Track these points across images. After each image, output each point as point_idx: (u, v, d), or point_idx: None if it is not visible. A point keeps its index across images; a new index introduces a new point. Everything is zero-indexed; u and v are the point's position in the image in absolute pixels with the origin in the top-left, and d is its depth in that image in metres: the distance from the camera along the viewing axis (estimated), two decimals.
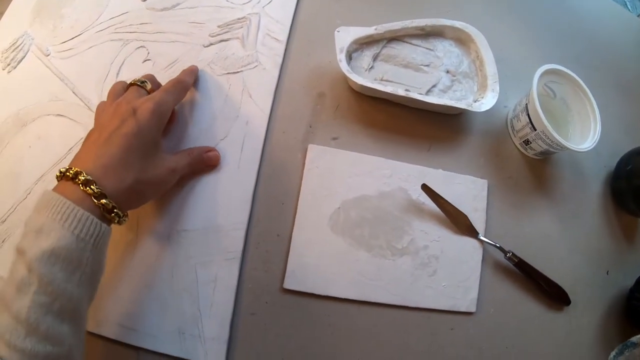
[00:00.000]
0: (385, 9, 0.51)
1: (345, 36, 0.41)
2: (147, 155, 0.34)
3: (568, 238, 0.46)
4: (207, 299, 0.38)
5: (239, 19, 0.46)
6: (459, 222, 0.41)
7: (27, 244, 0.28)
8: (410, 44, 0.44)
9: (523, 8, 0.55)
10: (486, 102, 0.42)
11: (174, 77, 0.41)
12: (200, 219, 0.39)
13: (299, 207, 0.40)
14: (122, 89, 0.38)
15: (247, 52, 0.44)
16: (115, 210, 0.31)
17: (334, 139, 0.42)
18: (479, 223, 0.42)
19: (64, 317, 0.28)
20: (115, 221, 0.32)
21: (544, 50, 0.53)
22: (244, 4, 0.47)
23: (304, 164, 0.41)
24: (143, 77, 0.40)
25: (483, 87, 0.44)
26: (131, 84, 0.38)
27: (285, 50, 0.45)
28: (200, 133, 0.42)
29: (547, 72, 0.44)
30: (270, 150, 0.42)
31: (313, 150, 0.41)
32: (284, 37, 0.45)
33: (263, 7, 0.47)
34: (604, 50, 0.56)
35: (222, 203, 0.40)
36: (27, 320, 0.27)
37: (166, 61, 0.45)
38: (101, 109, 0.37)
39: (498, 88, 0.43)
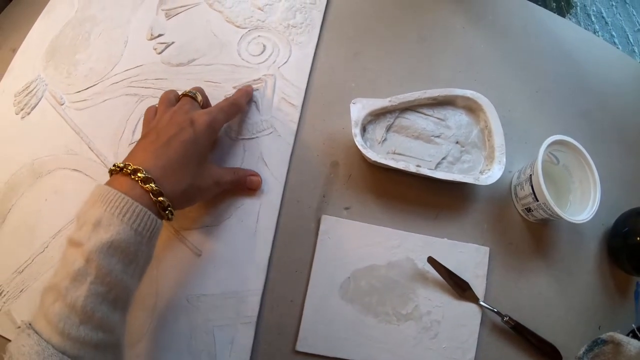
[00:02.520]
0: (400, 67, 0.53)
1: (360, 108, 0.44)
2: (199, 163, 0.38)
3: (563, 297, 0.50)
4: None
5: (254, 80, 0.48)
6: (460, 289, 0.45)
7: (83, 236, 0.30)
8: (422, 114, 0.47)
9: (532, 65, 0.57)
10: (492, 175, 0.46)
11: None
12: (218, 285, 0.43)
13: (311, 275, 0.44)
14: (174, 98, 0.42)
15: (263, 117, 0.47)
16: (169, 208, 0.34)
17: (346, 208, 0.46)
18: (479, 288, 0.46)
19: (116, 306, 0.31)
20: (167, 218, 0.35)
21: (552, 108, 0.56)
22: (259, 63, 0.49)
23: (317, 233, 0.45)
24: (193, 89, 0.43)
25: (490, 159, 0.47)
26: (184, 95, 0.42)
27: (300, 115, 0.48)
28: (218, 200, 0.44)
29: (552, 143, 0.47)
30: (285, 219, 0.45)
31: (326, 221, 0.45)
32: (299, 101, 0.48)
33: (278, 67, 0.49)
34: (611, 104, 0.58)
35: (240, 270, 0.43)
36: (82, 309, 0.29)
37: None
38: (152, 113, 0.41)
39: (504, 160, 0.46)
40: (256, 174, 0.45)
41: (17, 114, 0.51)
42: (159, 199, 0.33)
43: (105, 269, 0.30)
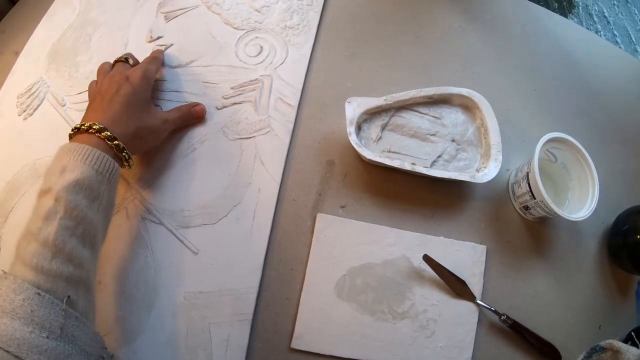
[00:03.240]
0: (396, 67, 0.54)
1: (355, 107, 0.45)
2: (143, 109, 0.44)
3: (563, 296, 0.50)
4: (220, 356, 0.42)
5: (251, 80, 0.49)
6: (457, 287, 0.46)
7: (52, 183, 0.35)
8: (418, 112, 0.48)
9: (531, 64, 0.58)
10: (489, 173, 0.46)
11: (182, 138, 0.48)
12: (215, 282, 0.44)
13: (307, 273, 0.44)
14: (109, 67, 0.48)
15: (260, 117, 0.48)
16: (125, 150, 0.40)
17: (342, 207, 0.47)
18: (476, 287, 0.47)
19: (85, 242, 0.34)
20: (125, 160, 0.41)
21: (550, 107, 0.56)
22: (257, 64, 0.50)
23: (313, 231, 0.45)
24: (124, 54, 0.49)
25: (486, 156, 0.47)
26: (116, 61, 0.48)
27: (297, 115, 0.49)
28: (216, 199, 0.46)
29: (549, 140, 0.48)
30: (281, 218, 0.46)
31: (322, 219, 0.46)
32: (295, 101, 0.49)
33: (275, 68, 0.50)
34: (611, 103, 0.59)
35: (236, 268, 0.44)
36: (54, 242, 0.32)
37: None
38: (94, 85, 0.47)
39: (501, 157, 0.47)
40: (198, 104, 0.49)
41: (19, 115, 0.52)
42: (114, 142, 0.39)
43: (73, 203, 0.34)
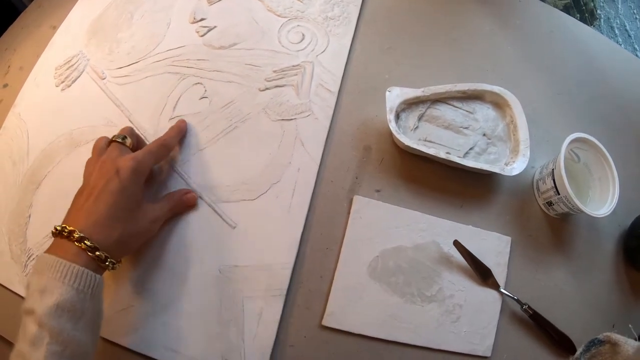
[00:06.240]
0: (430, 63, 0.59)
1: (395, 96, 0.50)
2: (131, 209, 0.42)
3: (580, 292, 0.55)
4: (252, 330, 0.46)
5: (294, 66, 0.54)
6: (483, 275, 0.51)
7: (34, 304, 0.35)
8: (452, 106, 0.53)
9: (556, 69, 0.63)
10: (517, 167, 0.51)
11: (224, 116, 0.51)
12: (251, 257, 0.47)
13: (342, 252, 0.49)
14: (104, 145, 0.46)
15: (301, 101, 0.53)
16: (108, 259, 0.40)
17: (377, 191, 0.51)
18: (500, 276, 0.51)
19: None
20: (110, 268, 0.40)
21: (573, 110, 0.62)
22: (298, 50, 0.55)
23: (349, 212, 0.50)
24: (122, 132, 0.48)
25: (515, 151, 0.53)
26: (112, 141, 0.46)
27: (336, 101, 0.54)
28: (256, 176, 0.50)
29: (573, 140, 0.53)
30: (319, 198, 0.50)
31: (358, 201, 0.50)
32: (335, 88, 0.54)
33: (317, 55, 0.55)
34: (631, 111, 0.65)
35: (272, 244, 0.48)
36: None
37: (222, 101, 0.53)
38: (88, 164, 0.46)
39: (529, 153, 0.52)
40: (188, 191, 0.49)
41: (57, 87, 0.55)
42: (95, 254, 0.38)
43: (57, 329, 0.35)
